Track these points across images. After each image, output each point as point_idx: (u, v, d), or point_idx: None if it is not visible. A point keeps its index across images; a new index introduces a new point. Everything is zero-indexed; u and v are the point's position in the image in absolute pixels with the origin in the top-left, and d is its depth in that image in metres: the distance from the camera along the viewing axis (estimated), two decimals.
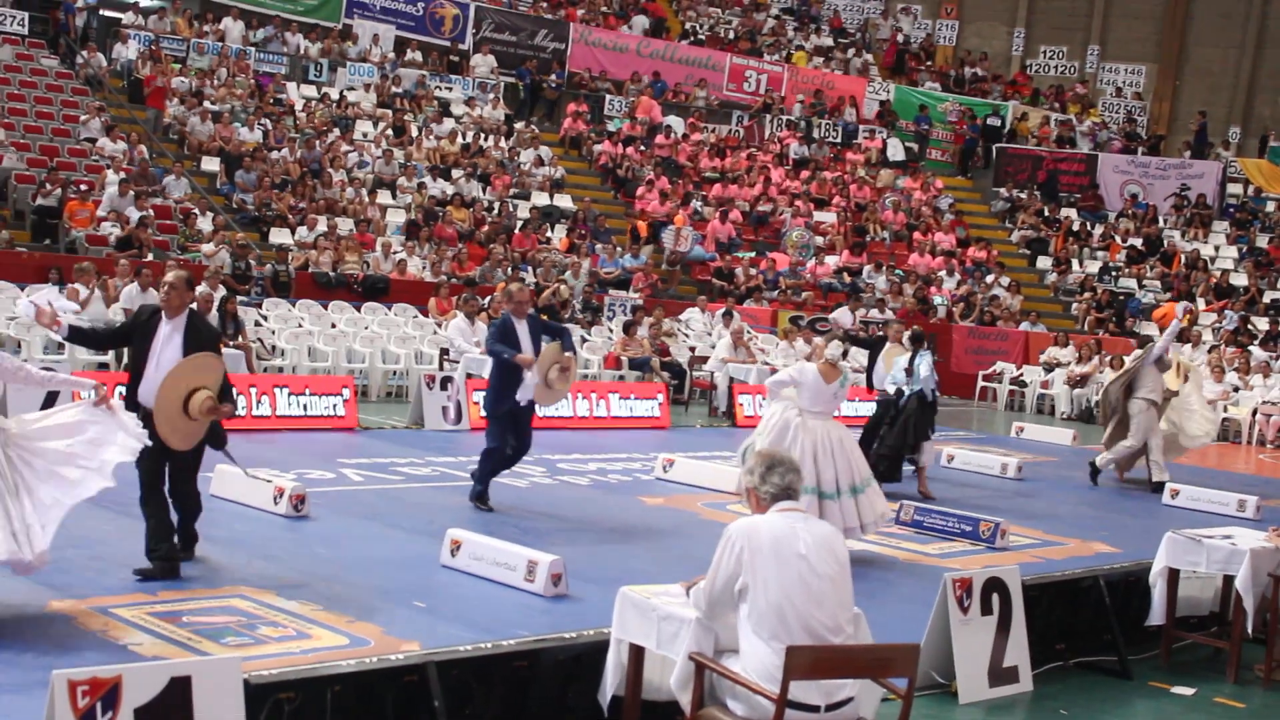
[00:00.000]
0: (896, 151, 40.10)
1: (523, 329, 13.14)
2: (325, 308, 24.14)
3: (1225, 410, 25.96)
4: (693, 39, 42.13)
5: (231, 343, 19.12)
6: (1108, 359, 27.52)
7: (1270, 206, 38.47)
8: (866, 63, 44.00)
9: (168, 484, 9.33)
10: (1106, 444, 18.17)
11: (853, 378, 15.07)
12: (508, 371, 13.01)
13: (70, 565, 9.57)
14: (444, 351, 21.55)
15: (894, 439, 15.85)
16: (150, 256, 23.29)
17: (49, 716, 5.19)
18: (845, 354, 15.27)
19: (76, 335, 9.85)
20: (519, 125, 35.79)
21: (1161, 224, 37.77)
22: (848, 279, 32.84)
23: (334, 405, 18.10)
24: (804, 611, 5.96)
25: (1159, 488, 17.11)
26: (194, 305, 9.44)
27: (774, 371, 16.75)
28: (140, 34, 32.53)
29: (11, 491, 8.29)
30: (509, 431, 13.11)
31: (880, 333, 17.86)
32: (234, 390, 9.52)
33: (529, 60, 38.44)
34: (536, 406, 13.46)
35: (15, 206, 25.56)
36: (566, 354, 13.57)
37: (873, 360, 17.18)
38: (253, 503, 11.95)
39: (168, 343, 9.22)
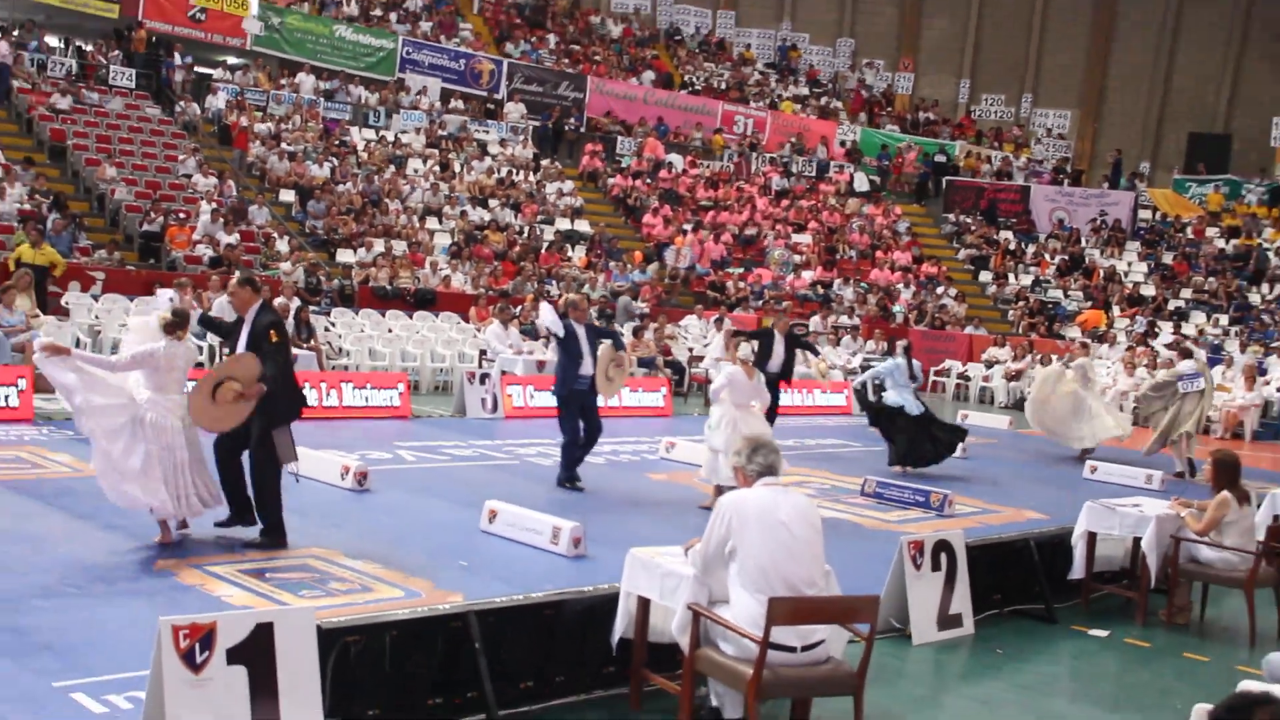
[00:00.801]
0: (862, 183, 40.07)
1: (582, 332, 13.27)
2: (383, 315, 24.19)
3: (1135, 400, 25.96)
4: (691, 89, 42.10)
5: (305, 345, 19.17)
6: (1038, 357, 27.63)
7: (1174, 229, 38.42)
8: (836, 109, 43.96)
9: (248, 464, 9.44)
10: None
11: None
12: (569, 362, 13.13)
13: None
14: (482, 352, 21.61)
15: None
16: (238, 273, 23.27)
17: (157, 655, 5.23)
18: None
19: (206, 321, 10.58)
20: (545, 162, 35.80)
21: (1083, 244, 37.72)
22: (821, 290, 32.87)
23: (390, 397, 18.13)
24: (783, 568, 6.01)
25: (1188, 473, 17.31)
26: (261, 304, 9.50)
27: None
28: (228, 87, 32.56)
29: (180, 467, 9.09)
30: (578, 419, 13.19)
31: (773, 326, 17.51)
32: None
33: (553, 107, 38.43)
34: (599, 396, 13.56)
35: (125, 231, 25.60)
36: (620, 353, 13.88)
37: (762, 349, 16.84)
38: (324, 478, 12.00)
39: (242, 337, 9.41)
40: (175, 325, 9.31)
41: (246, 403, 9.09)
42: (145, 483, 8.95)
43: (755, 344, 16.00)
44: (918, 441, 16.13)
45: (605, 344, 13.48)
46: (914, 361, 16.86)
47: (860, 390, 17.04)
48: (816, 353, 22.50)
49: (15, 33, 30.39)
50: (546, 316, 13.56)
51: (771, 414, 15.39)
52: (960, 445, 16.70)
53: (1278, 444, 24.21)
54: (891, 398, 16.29)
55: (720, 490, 11.99)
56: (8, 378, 15.13)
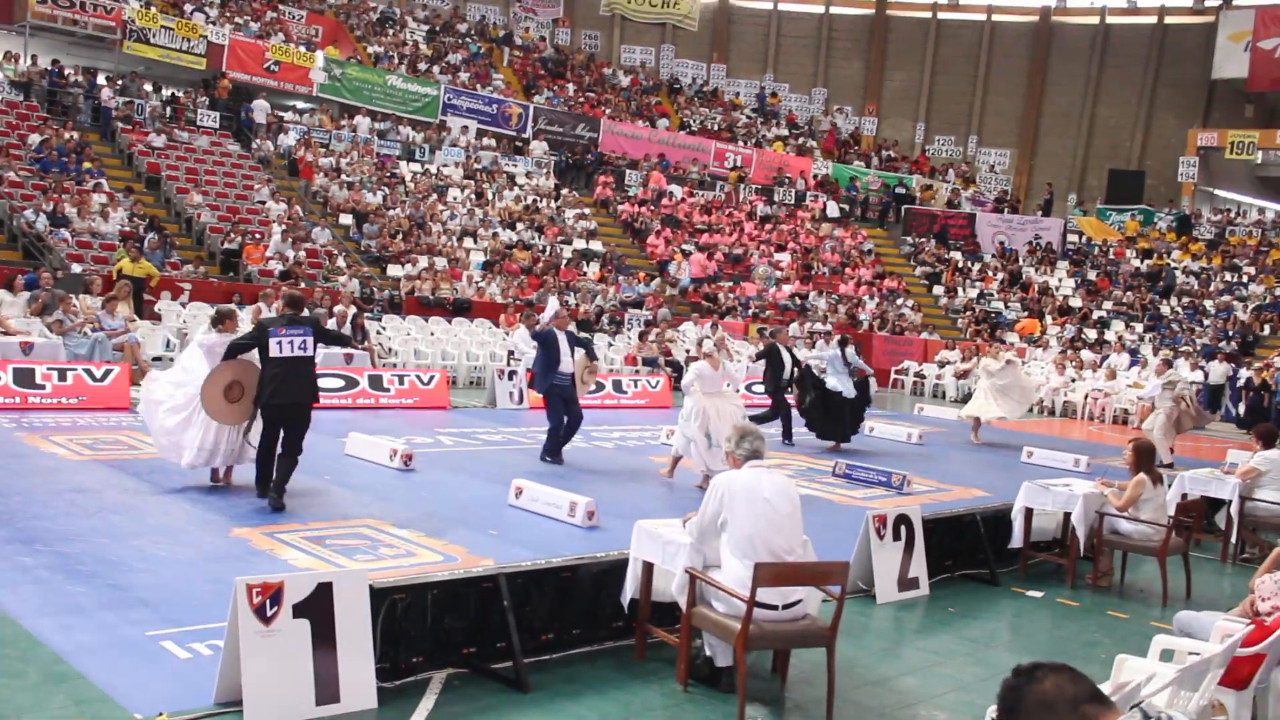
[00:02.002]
0: (833, 210, 40.03)
1: (563, 339, 13.39)
2: (426, 321, 24.20)
3: (1065, 395, 25.94)
4: (688, 130, 42.08)
5: (360, 345, 19.18)
6: (983, 359, 27.60)
7: (1097, 251, 38.44)
8: (812, 147, 43.89)
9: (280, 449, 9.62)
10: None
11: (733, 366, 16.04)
12: (551, 362, 13.30)
13: (246, 503, 9.61)
14: (510, 352, 21.56)
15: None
16: (304, 284, 23.33)
17: (233, 609, 5.24)
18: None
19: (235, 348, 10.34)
20: (564, 191, 35.75)
21: (1021, 263, 37.69)
22: (798, 301, 32.82)
23: (432, 391, 18.15)
24: (767, 538, 6.00)
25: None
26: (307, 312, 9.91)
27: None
28: (297, 127, 32.57)
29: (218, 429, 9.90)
30: (562, 410, 13.34)
31: (771, 340, 17.48)
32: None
33: (572, 145, 38.45)
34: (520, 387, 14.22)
35: (209, 249, 25.60)
36: (593, 361, 14.31)
37: (772, 364, 16.66)
38: (375, 460, 12.00)
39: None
40: (219, 320, 10.31)
41: (248, 404, 9.65)
42: (195, 442, 9.90)
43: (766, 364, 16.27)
44: (840, 421, 16.25)
45: (581, 353, 13.70)
46: (848, 350, 16.84)
47: (807, 370, 16.97)
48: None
49: (119, 82, 30.44)
50: (550, 309, 14.16)
51: (785, 417, 16.20)
52: (869, 425, 16.76)
53: (1186, 433, 24.09)
54: (831, 382, 16.39)
55: (677, 464, 12.74)
56: (110, 373, 15.15)
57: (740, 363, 22.48)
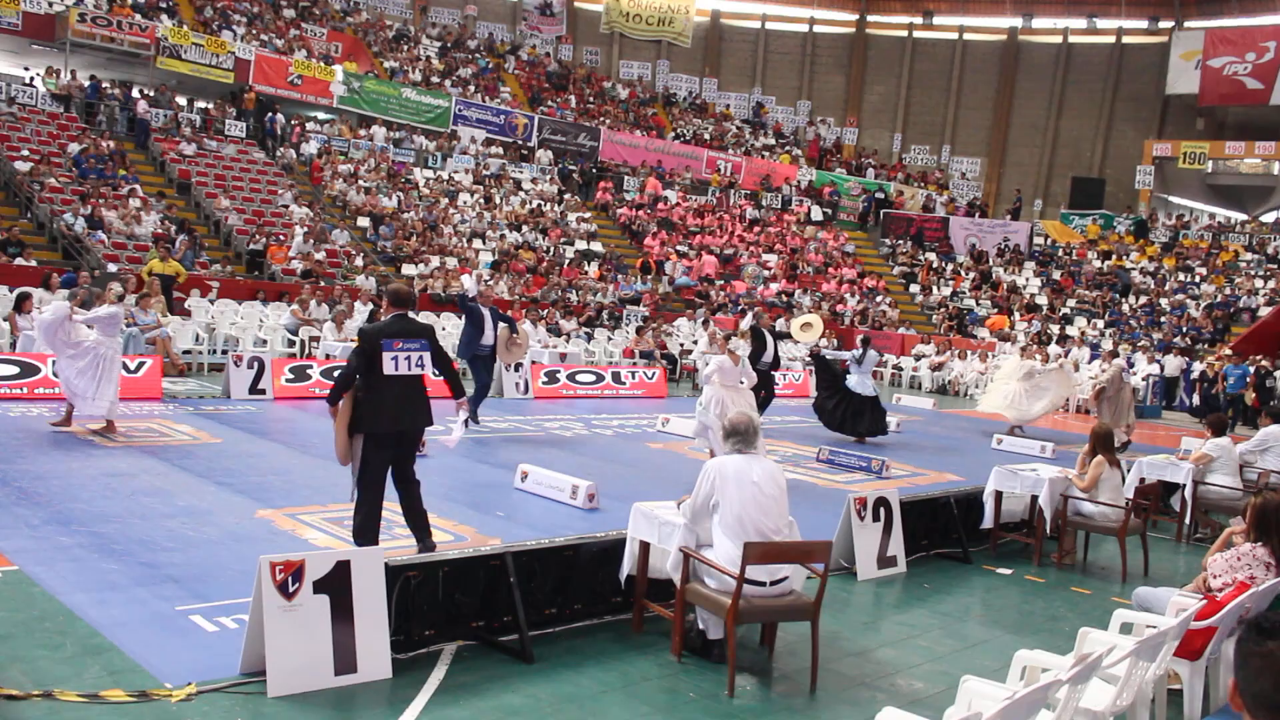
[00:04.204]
0: (817, 214, 39.98)
1: (487, 313, 14.23)
2: (438, 316, 24.09)
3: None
4: (682, 139, 41.99)
5: None
6: (956, 352, 27.63)
7: (1061, 252, 38.45)
8: (797, 155, 43.84)
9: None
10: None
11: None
12: (475, 332, 14.02)
13: (271, 487, 9.58)
14: None
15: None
16: (323, 283, 23.27)
17: (258, 586, 5.22)
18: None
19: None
20: (567, 196, 35.68)
21: (991, 264, 37.69)
22: (785, 298, 32.77)
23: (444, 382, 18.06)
24: (755, 519, 5.98)
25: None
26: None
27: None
28: (318, 136, 32.49)
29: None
30: (485, 372, 14.25)
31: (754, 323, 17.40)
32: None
33: (574, 153, 38.39)
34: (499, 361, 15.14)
35: (235, 250, 25.54)
36: (513, 335, 14.81)
37: (757, 345, 16.76)
38: None
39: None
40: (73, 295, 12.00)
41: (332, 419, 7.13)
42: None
43: (750, 344, 16.08)
44: (859, 417, 16.12)
45: (504, 326, 14.37)
46: (870, 352, 16.76)
47: (826, 359, 16.94)
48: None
49: (151, 93, 30.36)
50: (467, 282, 14.46)
51: (768, 401, 15.56)
52: (884, 430, 16.54)
53: (1143, 422, 24.11)
54: (852, 381, 16.32)
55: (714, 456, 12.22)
56: (142, 365, 15.10)
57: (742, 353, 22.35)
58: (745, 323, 15.26)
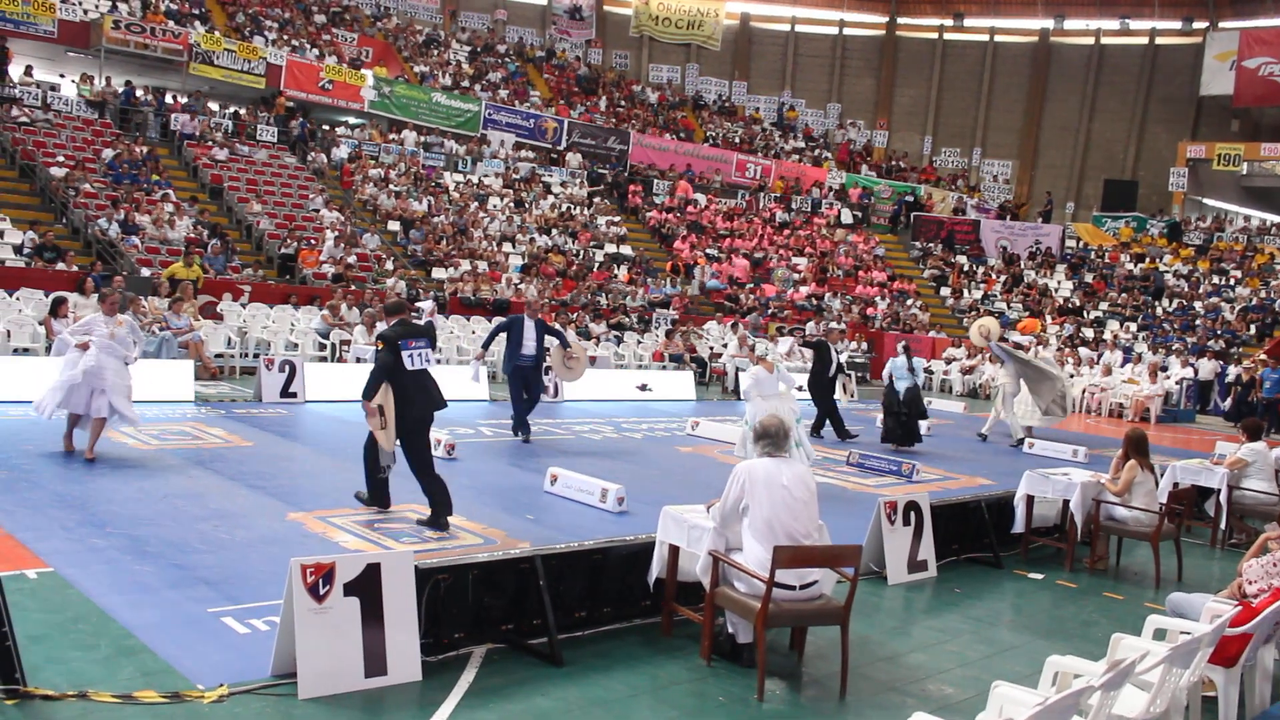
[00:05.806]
0: (847, 217, 39.85)
1: (530, 325, 14.00)
2: (468, 320, 24.18)
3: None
4: (712, 142, 41.97)
5: None
6: (987, 356, 27.41)
7: (1093, 255, 38.16)
8: (827, 158, 43.72)
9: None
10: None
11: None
12: (511, 345, 13.88)
13: (302, 490, 9.64)
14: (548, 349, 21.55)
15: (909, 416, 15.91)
16: (354, 287, 23.40)
17: (289, 588, 5.25)
18: (790, 352, 15.26)
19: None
20: (596, 199, 35.73)
21: (1022, 266, 37.44)
22: (815, 302, 32.68)
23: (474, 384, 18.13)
24: (785, 523, 5.97)
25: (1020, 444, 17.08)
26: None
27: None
28: (349, 140, 32.69)
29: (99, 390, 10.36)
30: (521, 388, 13.90)
31: (821, 336, 17.47)
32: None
33: (604, 156, 38.44)
34: (557, 380, 15.08)
35: (267, 254, 25.71)
36: (567, 350, 14.67)
37: (820, 357, 16.77)
38: None
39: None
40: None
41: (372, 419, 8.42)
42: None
43: (812, 352, 16.24)
44: (903, 425, 15.92)
45: (555, 343, 13.94)
46: (913, 360, 16.45)
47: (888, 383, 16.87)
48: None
49: (184, 100, 30.63)
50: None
51: (832, 410, 16.20)
52: (922, 430, 16.41)
53: (1177, 426, 23.94)
54: (900, 386, 16.15)
55: None
56: (175, 369, 15.23)
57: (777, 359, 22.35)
58: (782, 347, 15.14)
